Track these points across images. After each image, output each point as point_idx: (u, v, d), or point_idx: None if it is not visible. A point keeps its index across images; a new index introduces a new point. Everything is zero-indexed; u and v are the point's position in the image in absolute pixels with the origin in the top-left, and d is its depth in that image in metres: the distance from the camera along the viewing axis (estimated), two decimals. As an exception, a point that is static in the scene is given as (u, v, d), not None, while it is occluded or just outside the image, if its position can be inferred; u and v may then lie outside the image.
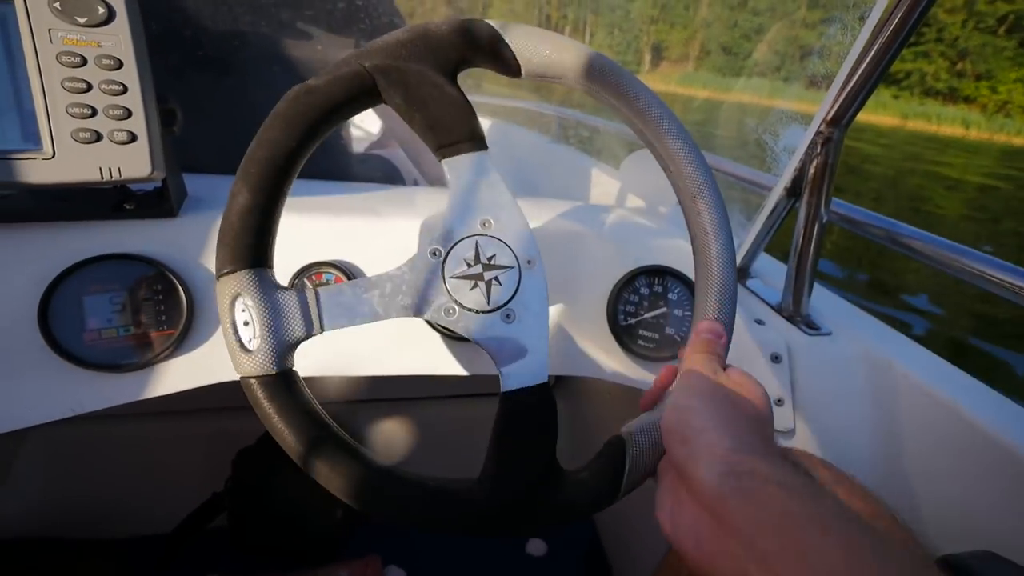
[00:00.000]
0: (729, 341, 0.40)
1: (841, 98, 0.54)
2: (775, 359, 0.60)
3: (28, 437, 0.90)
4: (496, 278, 0.38)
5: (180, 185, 0.54)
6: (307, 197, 0.59)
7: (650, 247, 0.63)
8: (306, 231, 0.54)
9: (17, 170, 0.40)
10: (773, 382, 0.61)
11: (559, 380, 1.14)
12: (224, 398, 0.50)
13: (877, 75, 0.51)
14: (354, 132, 1.18)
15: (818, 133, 0.57)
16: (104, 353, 0.48)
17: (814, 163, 0.58)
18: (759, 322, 0.64)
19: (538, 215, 0.62)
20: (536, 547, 1.10)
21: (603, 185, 1.31)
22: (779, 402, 0.61)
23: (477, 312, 0.38)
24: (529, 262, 0.39)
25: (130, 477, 0.98)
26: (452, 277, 0.38)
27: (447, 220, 0.38)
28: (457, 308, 0.38)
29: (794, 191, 0.62)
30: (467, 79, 0.40)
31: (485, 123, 2.03)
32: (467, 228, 0.38)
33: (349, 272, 0.55)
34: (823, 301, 0.69)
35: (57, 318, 0.46)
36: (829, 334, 0.62)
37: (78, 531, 0.95)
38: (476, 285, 0.38)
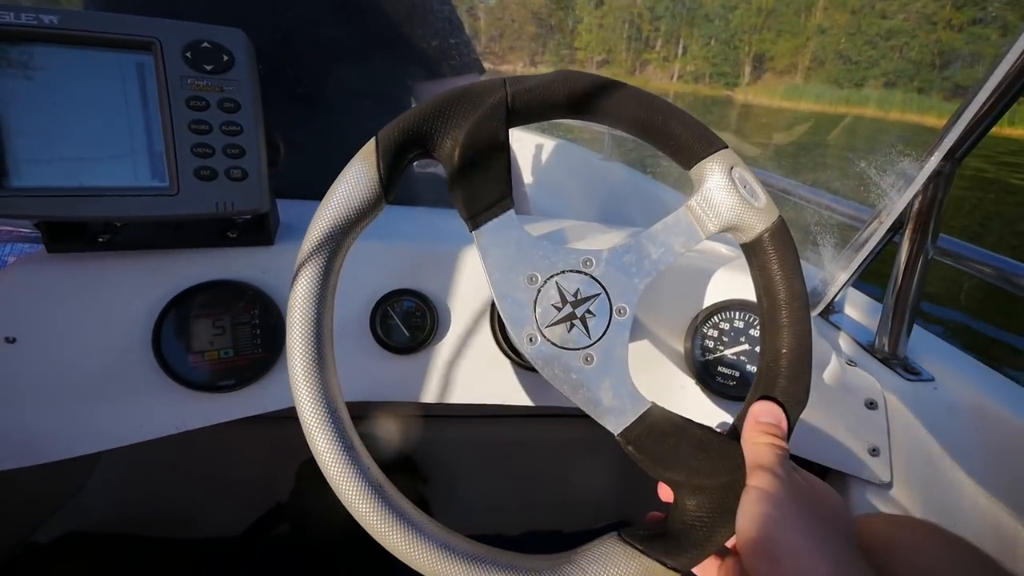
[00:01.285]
0: (795, 418, 0.38)
1: (962, 128, 0.50)
2: (870, 405, 0.56)
3: None
4: (584, 318, 0.38)
5: (275, 214, 0.56)
6: (374, 222, 0.60)
7: (732, 280, 0.60)
8: (380, 258, 0.55)
9: (145, 205, 0.43)
10: (867, 430, 0.57)
11: None
12: (288, 408, 0.52)
13: (1004, 105, 0.48)
14: None
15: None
16: (207, 374, 0.50)
17: (919, 196, 0.55)
18: (851, 363, 0.60)
19: (606, 237, 0.61)
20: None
21: (662, 208, 1.29)
22: (874, 451, 0.57)
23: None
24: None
25: (199, 482, 1.03)
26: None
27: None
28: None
29: (896, 224, 0.58)
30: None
31: (550, 143, 2.05)
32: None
33: (428, 299, 0.56)
34: (921, 342, 0.64)
35: (167, 341, 0.50)
36: (931, 380, 0.57)
37: (152, 530, 1.00)
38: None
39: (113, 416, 0.49)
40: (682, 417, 0.38)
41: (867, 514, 0.39)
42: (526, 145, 2.23)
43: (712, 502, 0.36)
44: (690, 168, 0.40)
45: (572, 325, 0.38)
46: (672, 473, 0.37)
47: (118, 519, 0.96)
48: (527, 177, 2.17)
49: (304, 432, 0.35)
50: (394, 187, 0.37)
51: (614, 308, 0.38)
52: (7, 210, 0.40)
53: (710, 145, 0.38)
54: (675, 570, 0.35)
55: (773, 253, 0.39)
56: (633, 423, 0.37)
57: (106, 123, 0.42)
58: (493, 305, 0.56)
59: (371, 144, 0.36)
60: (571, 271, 0.38)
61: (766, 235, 0.39)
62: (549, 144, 2.13)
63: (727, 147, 0.39)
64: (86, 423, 0.48)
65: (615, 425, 0.37)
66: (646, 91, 0.39)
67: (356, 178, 0.35)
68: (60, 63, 0.40)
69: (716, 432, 0.38)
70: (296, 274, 0.35)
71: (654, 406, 0.38)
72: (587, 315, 0.38)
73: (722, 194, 0.38)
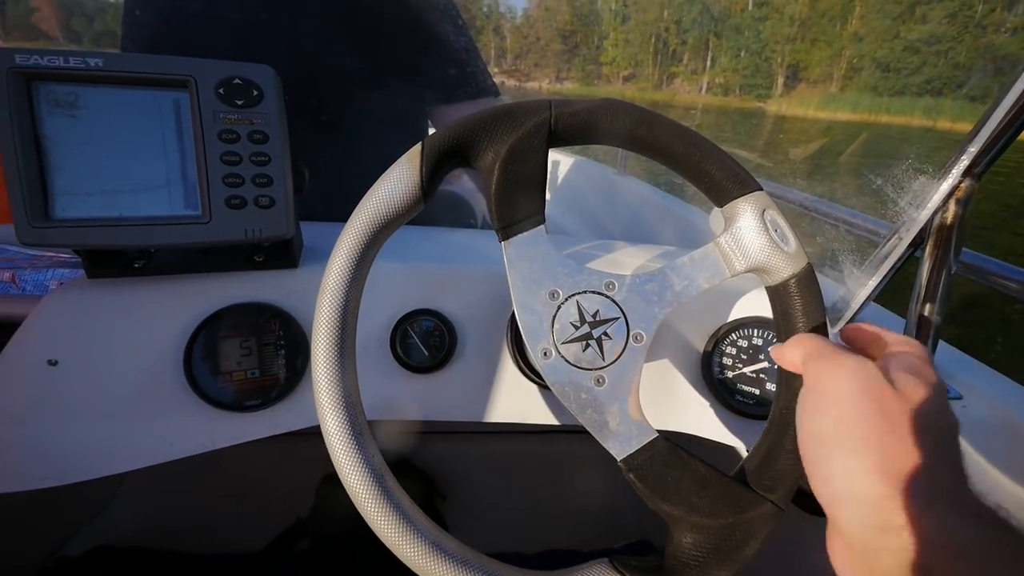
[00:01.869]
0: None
1: (984, 140, 0.49)
2: None
3: None
4: (600, 339, 0.39)
5: (300, 237, 0.58)
6: (394, 243, 0.62)
7: (751, 296, 0.60)
8: (399, 279, 0.57)
9: (179, 233, 0.45)
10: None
11: None
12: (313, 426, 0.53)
13: None
14: None
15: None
16: (235, 394, 0.52)
17: (941, 209, 0.54)
18: None
19: (631, 260, 0.62)
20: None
21: (693, 228, 1.29)
22: (902, 471, 0.55)
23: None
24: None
25: (221, 498, 1.04)
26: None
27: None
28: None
29: (917, 239, 0.58)
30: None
31: (566, 159, 2.07)
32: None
33: (447, 320, 0.57)
34: (945, 358, 0.63)
35: (197, 362, 0.51)
36: (960, 398, 0.56)
37: (175, 545, 1.02)
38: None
39: (147, 435, 0.51)
40: (689, 452, 0.38)
41: None
42: None
43: (708, 542, 0.36)
44: (722, 206, 0.40)
45: (588, 345, 0.39)
46: (670, 507, 0.36)
47: (145, 533, 0.99)
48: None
49: (317, 412, 0.36)
50: (433, 192, 0.38)
51: (631, 334, 0.39)
52: (53, 240, 0.42)
53: (744, 186, 0.39)
54: None
55: (798, 299, 0.39)
56: (637, 451, 0.37)
57: (144, 156, 0.44)
58: (511, 324, 0.57)
59: (417, 148, 0.37)
60: (593, 292, 0.39)
61: (792, 281, 0.39)
62: (565, 161, 2.15)
63: (761, 189, 0.39)
64: (122, 442, 0.50)
65: (619, 451, 0.37)
66: (686, 127, 0.40)
67: (399, 177, 0.37)
68: (103, 101, 0.43)
69: (721, 472, 0.37)
70: (331, 261, 0.37)
71: (660, 437, 0.38)
72: (604, 337, 0.39)
73: (752, 235, 0.39)
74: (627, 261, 0.62)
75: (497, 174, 0.37)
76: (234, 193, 0.45)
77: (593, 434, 0.38)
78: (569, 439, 1.05)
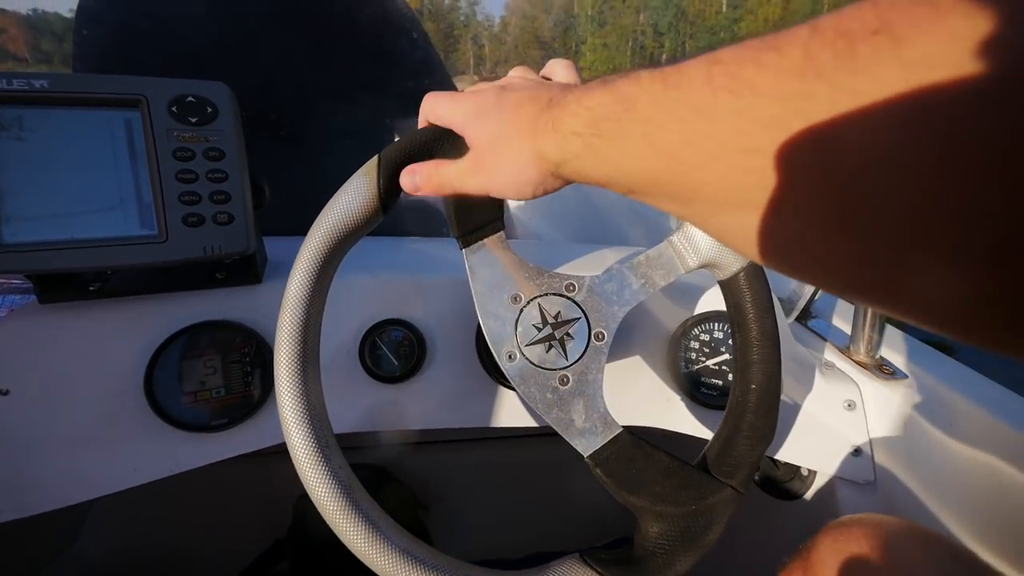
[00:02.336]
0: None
1: None
2: (849, 406, 0.58)
3: None
4: (563, 340, 0.40)
5: (263, 252, 0.58)
6: (362, 253, 0.62)
7: (713, 291, 0.62)
8: (367, 290, 0.57)
9: (135, 253, 0.44)
10: (848, 430, 0.59)
11: None
12: (281, 443, 0.53)
13: None
14: None
15: None
16: (199, 415, 0.51)
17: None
18: (828, 366, 0.62)
19: (592, 262, 0.64)
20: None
21: (662, 228, 1.32)
22: (856, 452, 0.58)
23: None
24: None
25: (195, 522, 1.01)
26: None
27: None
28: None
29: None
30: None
31: None
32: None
33: (416, 329, 0.57)
34: (894, 341, 0.67)
35: (159, 383, 0.50)
36: (906, 377, 0.59)
37: (153, 573, 0.98)
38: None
39: (108, 462, 0.49)
40: (652, 444, 0.39)
41: (848, 516, 0.40)
42: None
43: (674, 530, 0.38)
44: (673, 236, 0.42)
45: (551, 346, 0.40)
46: (636, 498, 0.38)
47: (116, 565, 0.95)
48: (513, 201, 2.19)
49: (281, 426, 0.36)
50: (392, 203, 0.39)
51: (593, 333, 0.40)
52: (3, 266, 0.41)
53: None
54: None
55: (747, 291, 0.41)
56: (603, 446, 0.38)
57: (96, 177, 0.44)
58: (479, 330, 0.58)
59: (373, 161, 0.38)
60: (554, 294, 0.40)
61: (742, 274, 0.41)
62: None
63: None
64: (81, 470, 0.49)
65: (585, 447, 0.38)
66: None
67: (357, 189, 0.38)
68: (51, 124, 0.42)
69: (683, 461, 0.39)
70: (291, 276, 0.37)
71: (624, 431, 0.39)
72: (566, 337, 0.40)
73: (703, 234, 0.41)
74: (590, 263, 0.64)
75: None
76: (191, 211, 0.45)
77: (560, 432, 0.39)
78: (545, 442, 1.06)
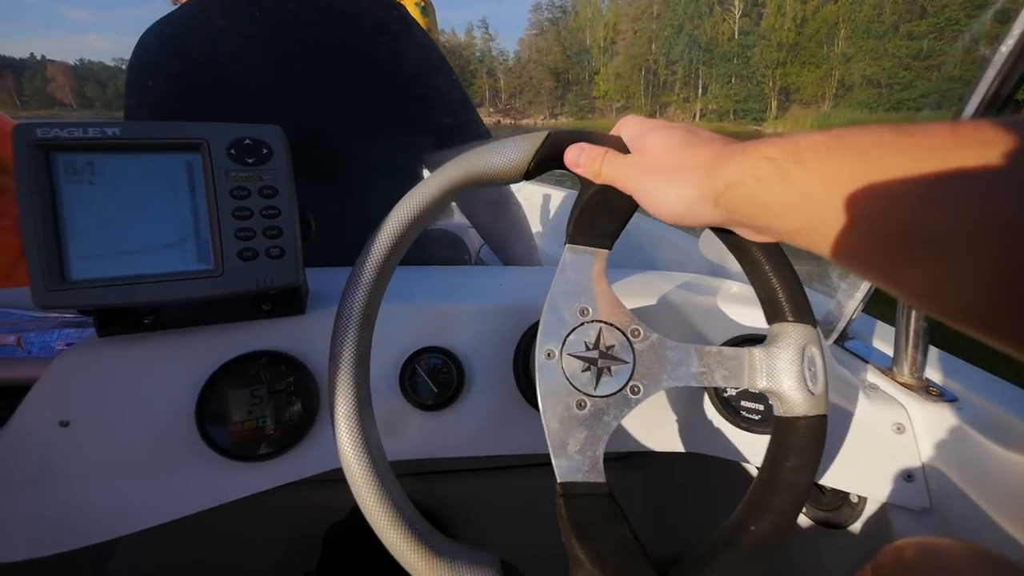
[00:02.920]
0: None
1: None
2: (898, 429, 0.57)
3: None
4: (602, 371, 0.39)
5: (306, 284, 0.60)
6: (397, 284, 0.63)
7: (746, 314, 0.62)
8: (405, 318, 0.58)
9: (193, 287, 0.46)
10: (899, 454, 0.57)
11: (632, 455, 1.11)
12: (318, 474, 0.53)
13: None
14: None
15: None
16: (246, 445, 0.52)
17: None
18: (872, 388, 0.61)
19: (626, 286, 0.64)
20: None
21: (683, 252, 1.32)
22: (908, 477, 0.56)
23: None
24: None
25: (224, 551, 1.01)
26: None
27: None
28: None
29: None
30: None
31: (558, 193, 2.11)
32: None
33: (454, 355, 0.58)
34: (936, 362, 0.65)
35: (209, 413, 0.52)
36: (955, 400, 0.58)
37: None
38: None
39: (161, 492, 0.50)
40: (625, 517, 0.37)
41: (908, 539, 0.39)
42: (534, 195, 2.31)
43: None
44: (771, 323, 0.42)
45: (588, 368, 0.39)
46: (581, 549, 0.36)
47: None
48: (536, 226, 2.23)
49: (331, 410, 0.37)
50: (539, 171, 0.40)
51: (631, 384, 0.40)
52: (70, 302, 0.43)
53: (799, 315, 0.40)
54: None
55: (800, 441, 0.39)
56: (580, 483, 0.37)
57: (159, 216, 0.46)
58: (516, 357, 0.58)
59: (542, 134, 0.40)
60: (618, 328, 0.40)
61: (802, 422, 0.39)
62: (557, 195, 2.21)
63: (815, 326, 0.40)
64: (134, 500, 0.50)
65: (563, 472, 0.37)
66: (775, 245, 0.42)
67: (517, 145, 0.39)
68: (120, 168, 0.45)
69: (643, 549, 0.37)
70: (414, 193, 0.40)
71: (607, 487, 0.38)
72: (605, 371, 0.40)
73: (785, 364, 0.40)
74: (658, 288, 0.64)
75: (592, 191, 0.40)
76: (246, 246, 0.47)
77: (548, 445, 0.38)
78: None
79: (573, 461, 0.38)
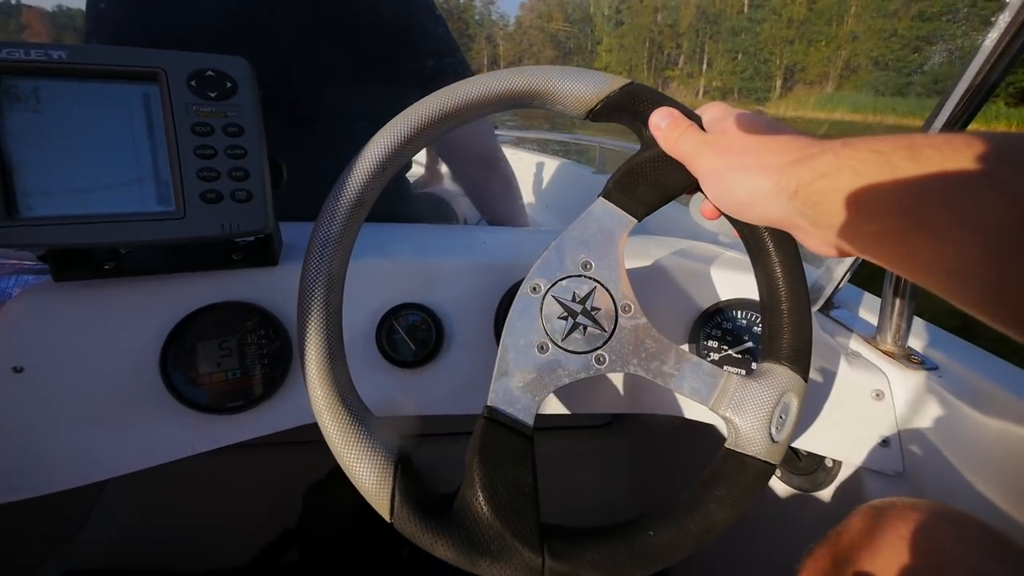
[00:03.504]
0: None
1: (943, 121, 0.51)
2: (877, 396, 0.57)
3: None
4: (585, 327, 0.39)
5: (279, 235, 0.57)
6: (378, 240, 0.61)
7: (732, 279, 0.61)
8: (384, 274, 0.56)
9: (153, 229, 0.44)
10: (876, 420, 0.57)
11: (616, 418, 1.12)
12: (292, 433, 0.52)
13: (977, 105, 0.49)
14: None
15: None
16: (215, 396, 0.50)
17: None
18: (855, 355, 0.60)
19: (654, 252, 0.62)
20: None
21: (669, 219, 1.30)
22: (884, 442, 0.57)
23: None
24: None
25: (204, 511, 1.01)
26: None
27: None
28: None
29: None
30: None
31: (552, 162, 2.09)
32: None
33: (433, 313, 0.56)
34: (920, 331, 0.65)
35: (174, 364, 0.50)
36: (935, 368, 0.58)
37: (158, 563, 0.98)
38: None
39: (123, 442, 0.49)
40: (534, 469, 0.37)
41: (880, 500, 0.39)
42: (526, 163, 2.26)
43: (479, 512, 0.36)
44: (763, 362, 0.41)
45: (566, 317, 0.39)
46: (476, 470, 0.36)
47: (124, 552, 0.95)
48: (528, 194, 2.20)
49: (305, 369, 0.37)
50: (597, 117, 0.40)
51: (599, 352, 0.39)
52: (19, 240, 0.41)
53: (796, 363, 0.39)
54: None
55: (739, 478, 0.38)
56: (506, 414, 0.37)
57: (113, 152, 0.43)
58: (498, 315, 0.56)
59: (621, 78, 0.39)
60: (612, 297, 0.39)
61: (750, 461, 0.38)
62: (551, 163, 2.17)
63: (805, 380, 0.39)
64: (96, 450, 0.48)
65: (495, 398, 0.38)
66: (799, 271, 0.40)
67: (592, 78, 0.38)
68: (68, 96, 0.41)
69: (535, 497, 0.36)
70: (466, 83, 0.39)
71: (531, 438, 0.37)
72: (580, 328, 0.39)
73: (757, 403, 0.38)
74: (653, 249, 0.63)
75: (649, 156, 0.39)
76: (209, 187, 0.44)
77: (495, 367, 0.38)
78: (562, 434, 1.05)
79: (511, 394, 0.37)
